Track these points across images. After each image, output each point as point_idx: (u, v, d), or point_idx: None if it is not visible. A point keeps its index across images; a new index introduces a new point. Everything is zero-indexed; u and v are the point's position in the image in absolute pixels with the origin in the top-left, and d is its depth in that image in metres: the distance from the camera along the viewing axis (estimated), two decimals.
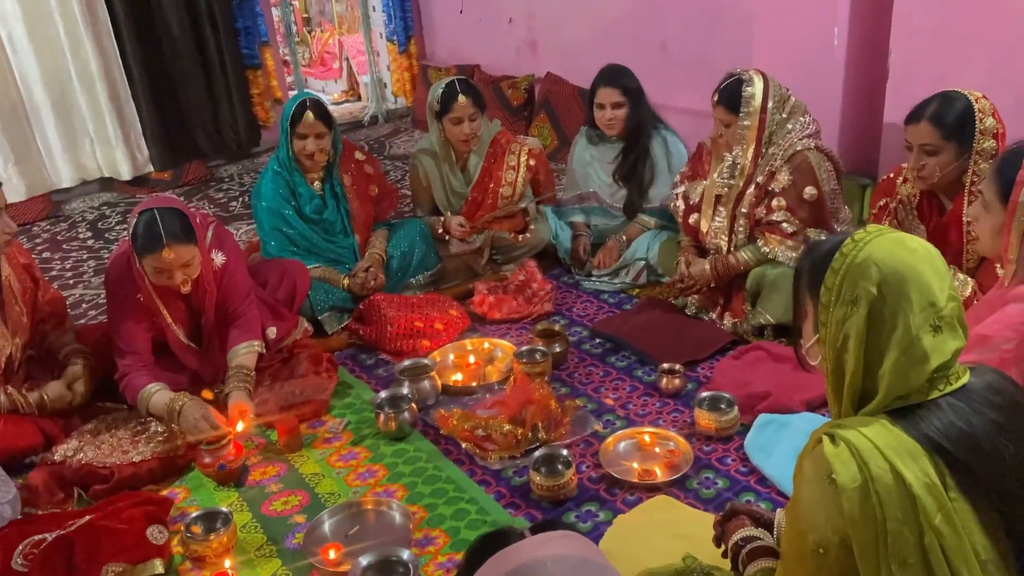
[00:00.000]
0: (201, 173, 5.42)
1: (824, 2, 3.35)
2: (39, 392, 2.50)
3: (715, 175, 2.97)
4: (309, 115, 3.12)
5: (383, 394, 2.62)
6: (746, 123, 2.79)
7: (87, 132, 5.06)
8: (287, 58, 6.53)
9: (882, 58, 3.26)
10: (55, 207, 4.97)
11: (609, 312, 3.22)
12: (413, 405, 2.55)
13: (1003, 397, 1.20)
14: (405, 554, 1.91)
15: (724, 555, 1.61)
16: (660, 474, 2.23)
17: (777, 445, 2.25)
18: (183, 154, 5.35)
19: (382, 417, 2.50)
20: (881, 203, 2.63)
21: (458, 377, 2.83)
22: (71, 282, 3.94)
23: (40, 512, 2.20)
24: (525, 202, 3.58)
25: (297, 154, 3.19)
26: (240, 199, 4.98)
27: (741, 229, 2.92)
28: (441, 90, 3.39)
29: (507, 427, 2.37)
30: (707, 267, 2.96)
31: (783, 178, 2.79)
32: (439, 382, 2.72)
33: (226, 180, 5.40)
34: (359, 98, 7.25)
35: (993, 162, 1.93)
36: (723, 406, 2.40)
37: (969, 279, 2.34)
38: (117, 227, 4.65)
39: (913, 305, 1.16)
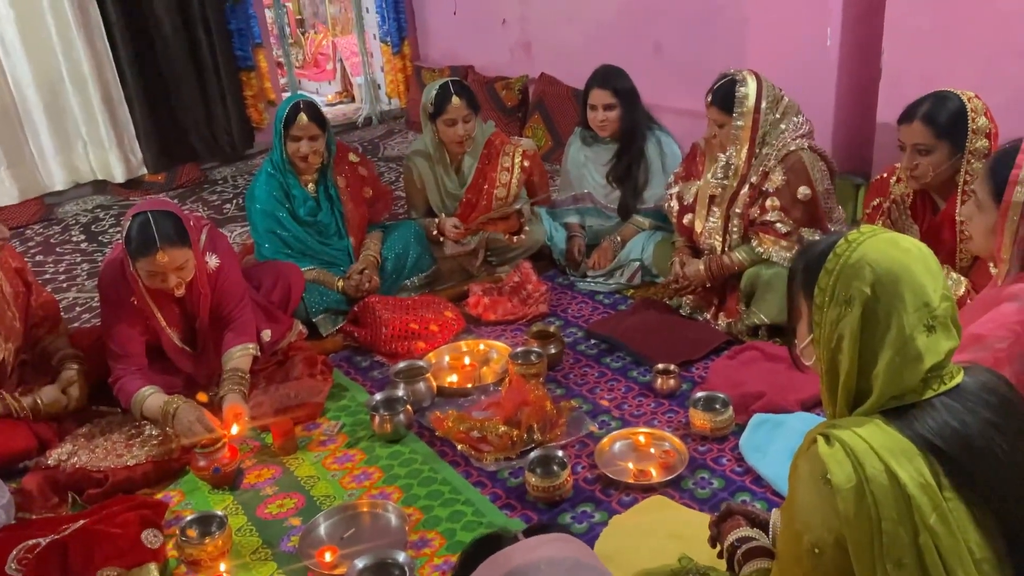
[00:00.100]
0: (195, 175, 5.40)
1: (817, 3, 3.36)
2: (33, 396, 2.48)
3: (709, 175, 2.97)
4: (303, 117, 3.11)
5: (378, 396, 2.61)
6: (740, 123, 2.80)
7: (80, 135, 5.04)
8: (281, 60, 6.52)
9: (875, 58, 3.27)
10: (48, 210, 4.95)
11: (604, 313, 3.22)
12: (408, 407, 2.55)
13: (997, 396, 1.20)
14: (401, 556, 1.91)
15: (720, 556, 1.61)
16: (655, 474, 2.23)
17: (772, 445, 2.26)
18: (177, 156, 5.34)
19: (377, 419, 2.50)
20: (875, 203, 2.63)
21: (453, 379, 2.82)
22: (64, 285, 3.93)
23: (34, 517, 2.19)
24: (520, 203, 3.58)
25: (291, 156, 3.19)
26: (234, 201, 4.97)
27: (735, 229, 2.92)
28: (435, 91, 3.38)
29: (503, 428, 2.37)
30: (701, 267, 2.97)
31: (777, 178, 2.79)
32: (434, 384, 2.72)
33: (220, 182, 5.38)
34: (353, 99, 7.25)
35: (986, 161, 1.94)
36: (718, 406, 2.40)
37: (962, 278, 2.35)
38: (111, 230, 4.64)
39: (907, 305, 1.17)
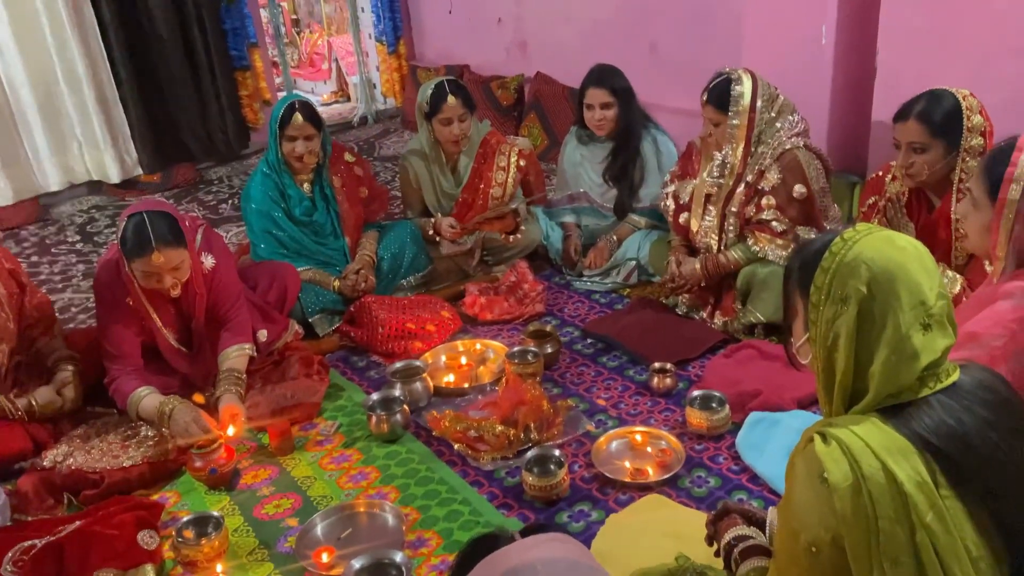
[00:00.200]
0: (190, 176, 5.39)
1: (812, 2, 3.36)
2: (28, 398, 2.48)
3: (705, 174, 2.98)
4: (298, 117, 3.11)
5: (375, 396, 2.61)
6: (735, 122, 2.80)
7: (75, 135, 5.03)
8: (276, 59, 6.51)
9: (870, 57, 3.28)
10: (43, 211, 4.94)
11: (600, 312, 3.23)
12: (405, 407, 2.54)
13: (993, 394, 1.20)
14: (398, 556, 1.90)
15: (717, 554, 1.61)
16: (652, 473, 2.23)
17: (768, 443, 2.26)
18: (172, 157, 5.33)
19: (374, 419, 2.50)
20: (870, 201, 2.64)
21: (450, 378, 2.82)
22: (60, 286, 3.92)
23: (30, 518, 2.19)
24: (516, 203, 3.58)
25: (286, 156, 3.18)
26: (229, 201, 4.96)
27: (731, 228, 2.92)
28: (430, 91, 3.38)
29: (499, 428, 2.37)
30: (697, 266, 2.97)
31: (772, 177, 2.79)
32: (431, 384, 2.72)
33: (215, 182, 5.37)
34: (348, 99, 7.24)
35: (981, 159, 1.94)
36: (714, 405, 2.41)
37: (958, 276, 2.35)
38: (106, 231, 4.63)
39: (903, 303, 1.17)
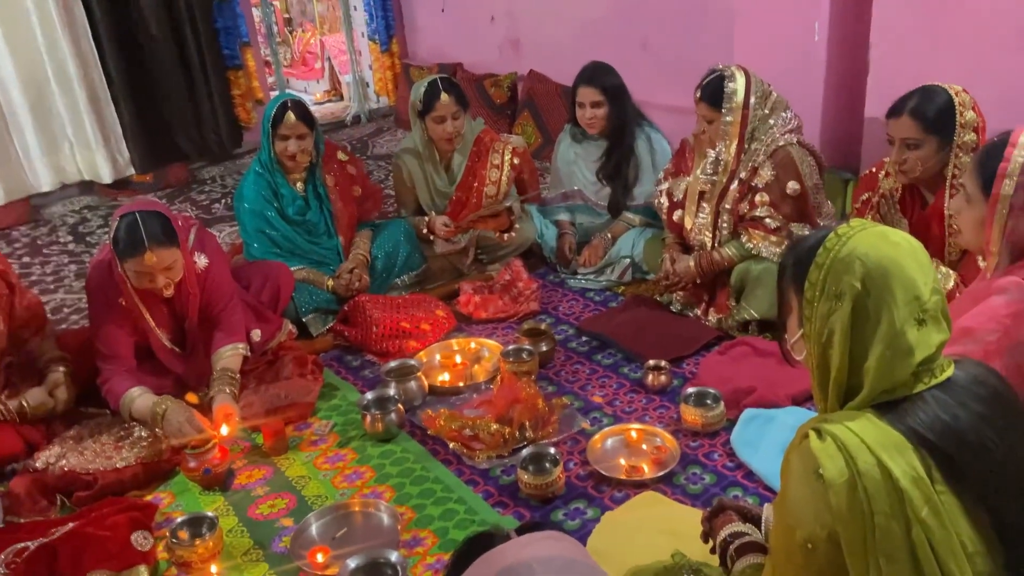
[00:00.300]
0: (183, 175, 5.37)
1: None
2: (19, 399, 2.46)
3: (698, 171, 2.98)
4: (290, 116, 3.10)
5: (369, 395, 2.60)
6: (728, 119, 2.80)
7: (66, 135, 5.00)
8: (268, 58, 6.49)
9: (862, 53, 3.28)
10: (34, 211, 4.92)
11: (595, 310, 3.22)
12: (400, 406, 2.54)
13: (987, 389, 1.21)
14: (393, 556, 1.90)
15: (712, 551, 1.61)
16: (647, 470, 2.23)
17: (763, 440, 2.26)
18: (164, 156, 5.30)
19: (369, 418, 2.49)
20: (864, 197, 2.64)
21: (445, 377, 2.82)
22: (52, 287, 3.90)
23: (22, 520, 2.18)
24: (510, 201, 3.58)
25: (279, 155, 3.17)
26: (222, 201, 4.94)
27: (725, 225, 2.92)
28: (423, 89, 3.37)
29: (494, 426, 2.36)
30: (691, 264, 2.97)
31: (766, 173, 2.80)
32: (426, 382, 2.71)
33: (208, 182, 5.36)
34: (341, 98, 7.22)
35: (974, 155, 1.94)
36: (709, 402, 2.41)
37: (952, 272, 2.35)
38: (98, 231, 4.60)
39: (897, 299, 1.17)
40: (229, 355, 2.64)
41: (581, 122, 3.46)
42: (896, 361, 1.17)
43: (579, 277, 3.46)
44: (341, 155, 3.44)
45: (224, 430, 2.43)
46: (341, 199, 3.35)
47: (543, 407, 2.45)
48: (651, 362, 2.64)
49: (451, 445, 2.40)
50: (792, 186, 2.78)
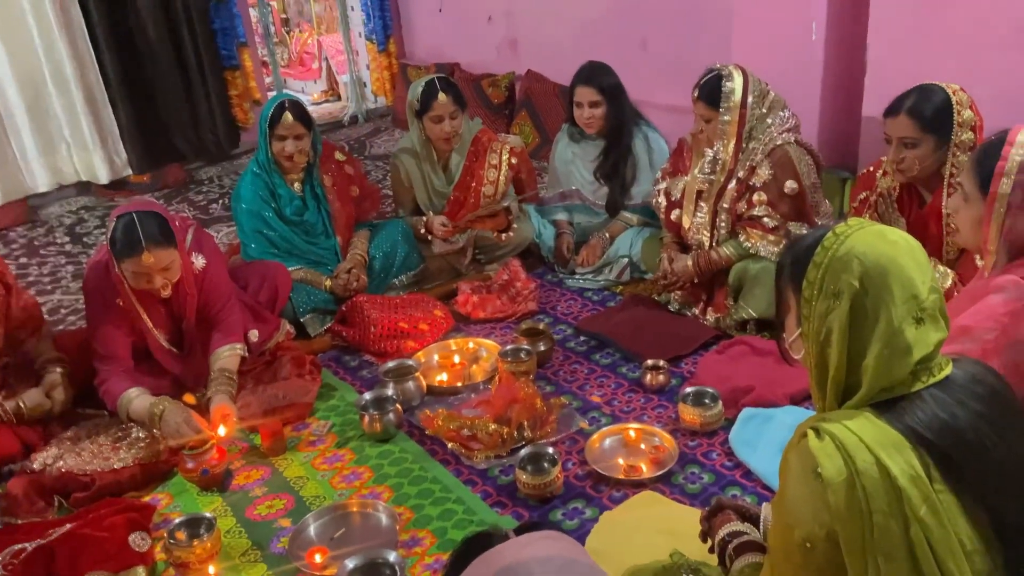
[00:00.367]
0: (180, 176, 5.37)
1: None
2: (16, 400, 2.46)
3: (696, 171, 2.98)
4: (288, 116, 3.09)
5: (367, 396, 2.60)
6: (726, 118, 2.80)
7: (63, 136, 4.99)
8: (266, 59, 6.48)
9: (860, 52, 3.28)
10: (31, 212, 4.91)
11: (593, 310, 3.22)
12: (398, 406, 2.54)
13: (985, 388, 1.21)
14: (392, 556, 1.90)
15: (711, 550, 1.61)
16: (646, 470, 2.23)
17: (761, 439, 2.26)
18: (162, 157, 5.29)
19: (367, 419, 2.49)
20: (861, 196, 2.64)
21: (443, 377, 2.81)
22: (49, 288, 3.89)
23: (20, 521, 2.17)
24: (507, 201, 3.57)
25: (276, 155, 3.17)
26: (220, 201, 4.94)
27: (723, 224, 2.92)
28: (421, 88, 3.37)
29: (493, 426, 2.36)
30: (689, 263, 2.97)
31: (764, 173, 2.80)
32: (424, 383, 2.71)
33: (205, 182, 5.35)
34: (339, 98, 7.22)
35: (972, 154, 1.95)
36: (707, 401, 2.41)
37: (949, 271, 2.36)
38: (95, 231, 4.60)
39: (895, 298, 1.17)
40: (227, 355, 2.64)
41: (579, 122, 3.46)
42: (894, 360, 1.17)
43: (577, 277, 3.46)
44: (339, 155, 3.44)
45: (222, 431, 2.42)
46: (339, 199, 3.35)
47: (541, 407, 2.45)
48: (649, 361, 2.64)
49: (449, 445, 2.40)
50: (790, 185, 2.78)
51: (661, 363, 2.64)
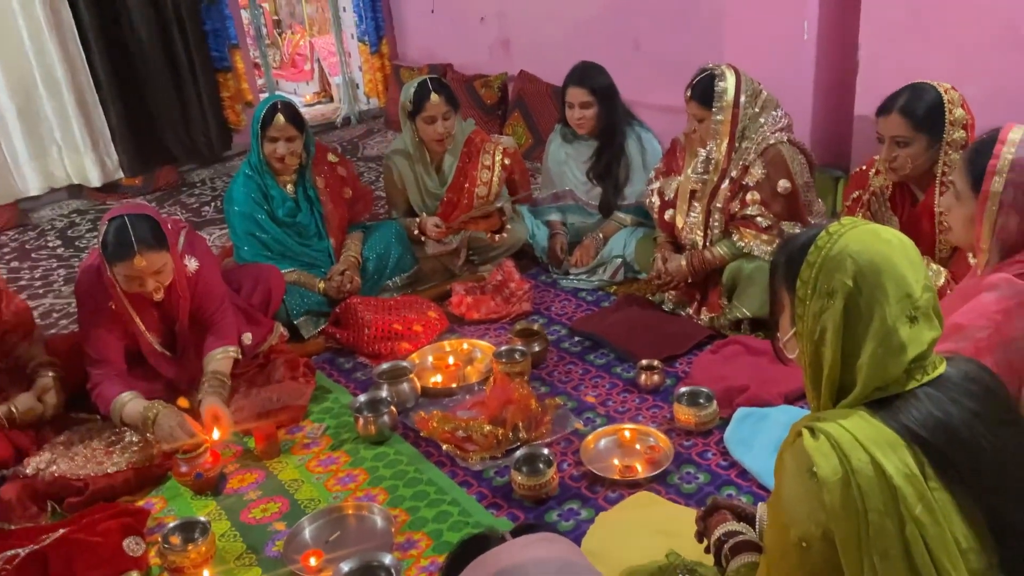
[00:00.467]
0: (172, 178, 5.35)
1: None
2: (8, 405, 2.44)
3: (689, 170, 2.98)
4: (280, 118, 3.09)
5: (362, 398, 2.59)
6: (719, 118, 2.80)
7: (54, 139, 4.97)
8: (258, 60, 6.47)
9: (852, 51, 3.29)
10: (23, 216, 4.88)
11: (587, 310, 3.22)
12: (392, 408, 2.53)
13: (979, 386, 1.21)
14: (387, 559, 1.89)
15: (707, 550, 1.61)
16: (641, 470, 2.23)
17: (757, 438, 2.26)
18: (153, 159, 5.27)
19: (361, 421, 2.48)
20: (854, 195, 2.64)
21: (437, 379, 2.81)
22: (41, 292, 3.87)
23: (13, 527, 2.15)
24: (501, 202, 3.57)
25: (267, 157, 3.16)
26: (212, 204, 4.93)
27: (716, 224, 2.93)
28: (413, 89, 3.37)
29: (487, 428, 2.36)
30: (683, 263, 2.97)
31: (757, 172, 2.80)
32: (418, 384, 2.71)
33: (198, 185, 5.34)
34: (331, 99, 7.21)
35: (964, 152, 1.95)
36: (702, 401, 2.41)
37: (942, 269, 2.36)
38: (87, 235, 4.58)
39: (889, 296, 1.17)
40: (220, 358, 2.63)
41: (570, 122, 3.46)
42: (888, 358, 1.17)
43: (571, 277, 3.46)
44: (331, 157, 3.43)
45: (216, 434, 2.42)
46: (332, 201, 3.34)
47: (536, 408, 2.44)
48: (644, 362, 2.64)
49: (444, 447, 2.39)
50: (783, 184, 2.79)
51: (656, 363, 2.64)
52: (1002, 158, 1.66)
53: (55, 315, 3.60)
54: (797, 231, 2.75)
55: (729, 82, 2.77)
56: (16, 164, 4.89)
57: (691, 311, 3.02)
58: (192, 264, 2.62)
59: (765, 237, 2.81)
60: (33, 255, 4.36)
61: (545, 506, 2.15)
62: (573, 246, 3.54)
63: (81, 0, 4.78)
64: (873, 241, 1.20)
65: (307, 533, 2.12)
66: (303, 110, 3.37)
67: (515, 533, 1.03)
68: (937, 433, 1.15)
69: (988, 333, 1.60)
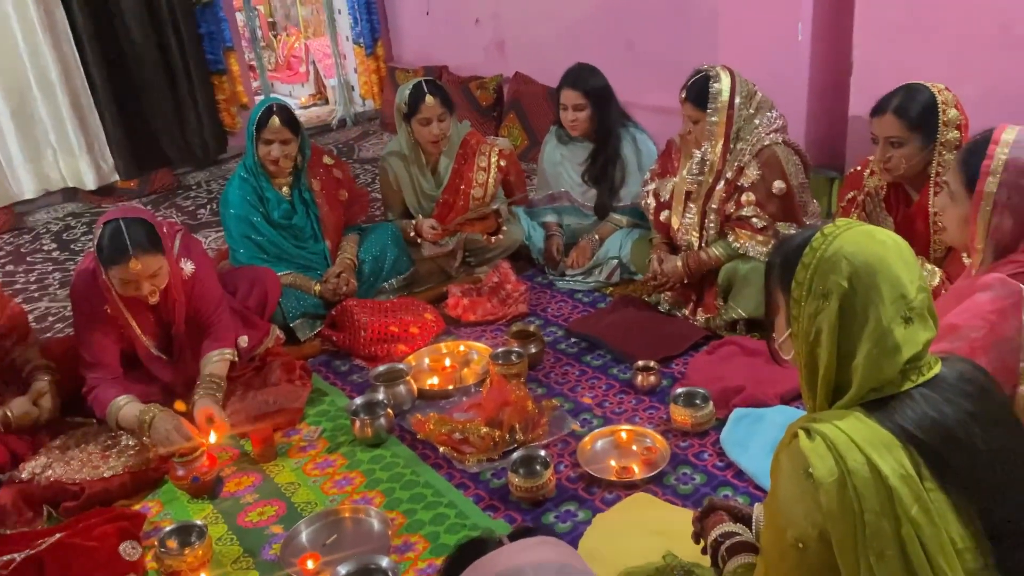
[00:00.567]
0: (168, 181, 5.35)
1: None
2: (3, 409, 2.43)
3: (685, 172, 2.98)
4: (275, 121, 3.08)
5: (358, 400, 2.59)
6: (714, 119, 2.81)
7: (49, 142, 4.96)
8: (253, 63, 6.47)
9: (846, 52, 3.30)
10: (18, 219, 4.88)
11: (584, 311, 3.22)
12: (389, 410, 2.53)
13: (974, 386, 1.21)
14: (384, 561, 1.89)
15: (704, 551, 1.61)
16: (638, 471, 2.23)
17: (753, 439, 2.27)
18: (149, 162, 5.27)
19: (358, 423, 2.48)
20: (849, 196, 2.65)
21: (434, 381, 2.81)
22: (36, 295, 3.87)
23: (9, 532, 2.15)
24: (497, 203, 3.57)
25: (262, 160, 3.16)
26: (208, 206, 4.92)
27: (712, 225, 2.93)
28: (408, 91, 3.36)
29: (484, 429, 2.36)
30: (679, 263, 2.98)
31: (752, 173, 2.81)
32: (415, 386, 2.70)
33: (193, 188, 5.33)
34: (327, 101, 7.21)
35: (958, 153, 1.96)
36: (698, 401, 2.41)
37: (937, 269, 2.37)
38: (82, 238, 4.57)
39: (884, 297, 1.17)
40: (216, 361, 2.63)
41: (564, 124, 3.46)
42: (883, 359, 1.18)
43: (567, 279, 3.46)
44: (327, 159, 3.43)
45: (212, 438, 2.41)
46: (327, 203, 3.34)
47: (533, 409, 2.44)
48: (640, 363, 2.64)
49: (441, 449, 2.39)
50: (778, 185, 2.79)
51: (652, 364, 2.64)
52: (996, 159, 1.67)
53: (50, 319, 3.59)
54: (792, 232, 2.75)
55: (724, 84, 2.78)
56: (11, 167, 4.88)
57: (687, 312, 3.03)
58: (188, 267, 2.61)
59: (760, 238, 2.82)
60: (28, 258, 4.35)
61: (542, 508, 2.15)
62: (569, 247, 3.55)
63: (75, 2, 4.78)
64: (868, 242, 1.21)
65: (304, 536, 2.11)
66: (298, 112, 3.37)
67: (512, 537, 1.03)
68: (932, 433, 1.15)
69: (983, 333, 1.61)
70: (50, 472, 2.33)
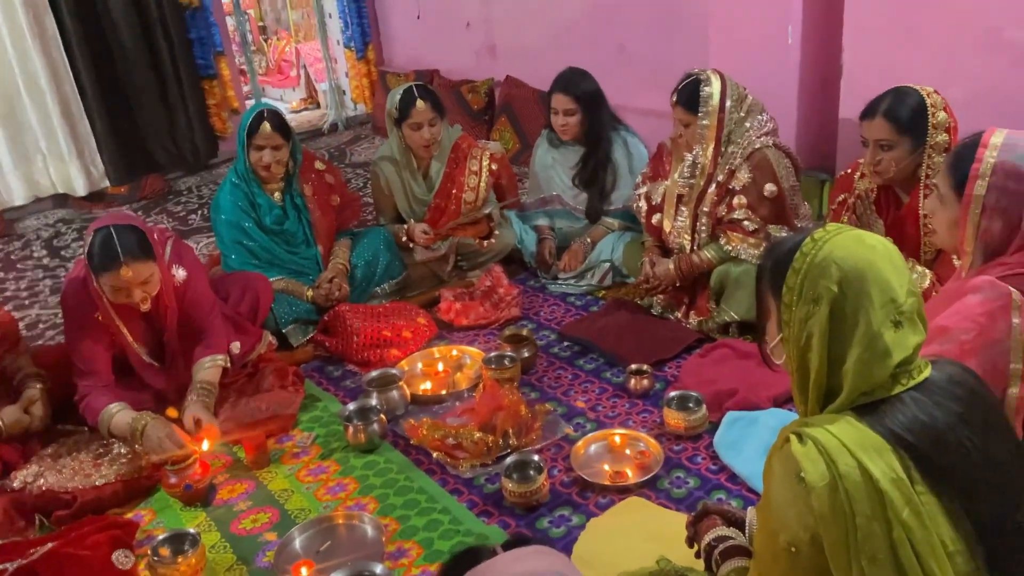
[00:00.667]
0: (159, 187, 5.33)
1: (777, 1, 3.40)
2: None
3: (676, 175, 2.99)
4: (266, 126, 3.08)
5: (351, 406, 2.59)
6: (705, 122, 2.82)
7: (39, 148, 4.94)
8: (243, 67, 6.45)
9: (836, 56, 3.31)
10: (8, 226, 4.85)
11: (576, 315, 3.23)
12: (382, 416, 2.53)
13: (964, 389, 1.22)
14: (379, 568, 1.89)
15: (697, 555, 1.61)
16: (631, 475, 2.24)
17: (746, 442, 2.27)
18: (139, 168, 5.25)
19: (351, 429, 2.48)
20: (840, 199, 2.66)
21: (427, 386, 2.81)
22: (27, 303, 3.85)
23: (1, 541, 2.14)
24: (489, 207, 3.57)
25: (254, 165, 3.15)
26: (199, 212, 4.91)
27: (703, 228, 2.94)
28: (399, 96, 3.36)
29: (478, 435, 2.36)
30: (671, 267, 2.98)
31: (743, 176, 2.81)
32: (408, 392, 2.70)
33: (184, 193, 5.31)
34: (318, 106, 7.19)
35: (947, 156, 1.97)
36: (691, 405, 2.41)
37: (927, 271, 2.38)
38: (73, 244, 4.55)
39: (874, 302, 1.18)
40: (208, 367, 2.62)
41: (555, 128, 3.47)
42: (874, 363, 1.19)
43: (559, 282, 3.47)
44: (319, 164, 3.42)
45: (205, 445, 2.40)
46: (319, 208, 3.33)
47: (526, 414, 2.45)
48: (633, 366, 2.65)
49: (434, 454, 2.39)
50: (769, 188, 2.80)
51: (645, 368, 2.65)
52: (984, 162, 1.68)
53: (41, 326, 3.58)
54: (783, 235, 2.77)
55: (714, 87, 2.79)
56: (0, 173, 4.85)
57: (679, 315, 3.04)
58: (180, 274, 2.61)
59: (752, 240, 2.83)
60: (19, 265, 4.33)
61: (536, 513, 2.15)
62: (561, 251, 3.55)
63: (64, 7, 4.76)
64: (857, 247, 1.21)
65: (298, 543, 2.11)
66: (290, 116, 3.36)
67: (507, 546, 1.03)
68: (923, 437, 1.16)
69: (973, 335, 1.61)
70: (42, 481, 2.32)
